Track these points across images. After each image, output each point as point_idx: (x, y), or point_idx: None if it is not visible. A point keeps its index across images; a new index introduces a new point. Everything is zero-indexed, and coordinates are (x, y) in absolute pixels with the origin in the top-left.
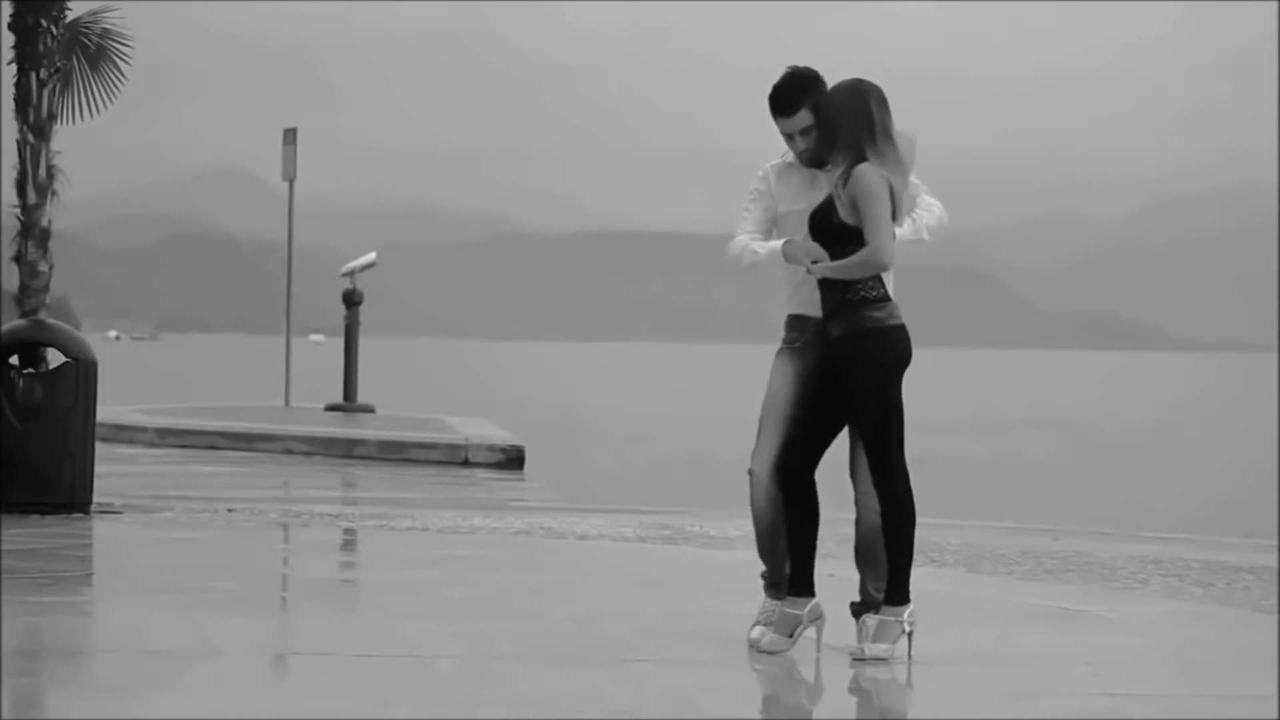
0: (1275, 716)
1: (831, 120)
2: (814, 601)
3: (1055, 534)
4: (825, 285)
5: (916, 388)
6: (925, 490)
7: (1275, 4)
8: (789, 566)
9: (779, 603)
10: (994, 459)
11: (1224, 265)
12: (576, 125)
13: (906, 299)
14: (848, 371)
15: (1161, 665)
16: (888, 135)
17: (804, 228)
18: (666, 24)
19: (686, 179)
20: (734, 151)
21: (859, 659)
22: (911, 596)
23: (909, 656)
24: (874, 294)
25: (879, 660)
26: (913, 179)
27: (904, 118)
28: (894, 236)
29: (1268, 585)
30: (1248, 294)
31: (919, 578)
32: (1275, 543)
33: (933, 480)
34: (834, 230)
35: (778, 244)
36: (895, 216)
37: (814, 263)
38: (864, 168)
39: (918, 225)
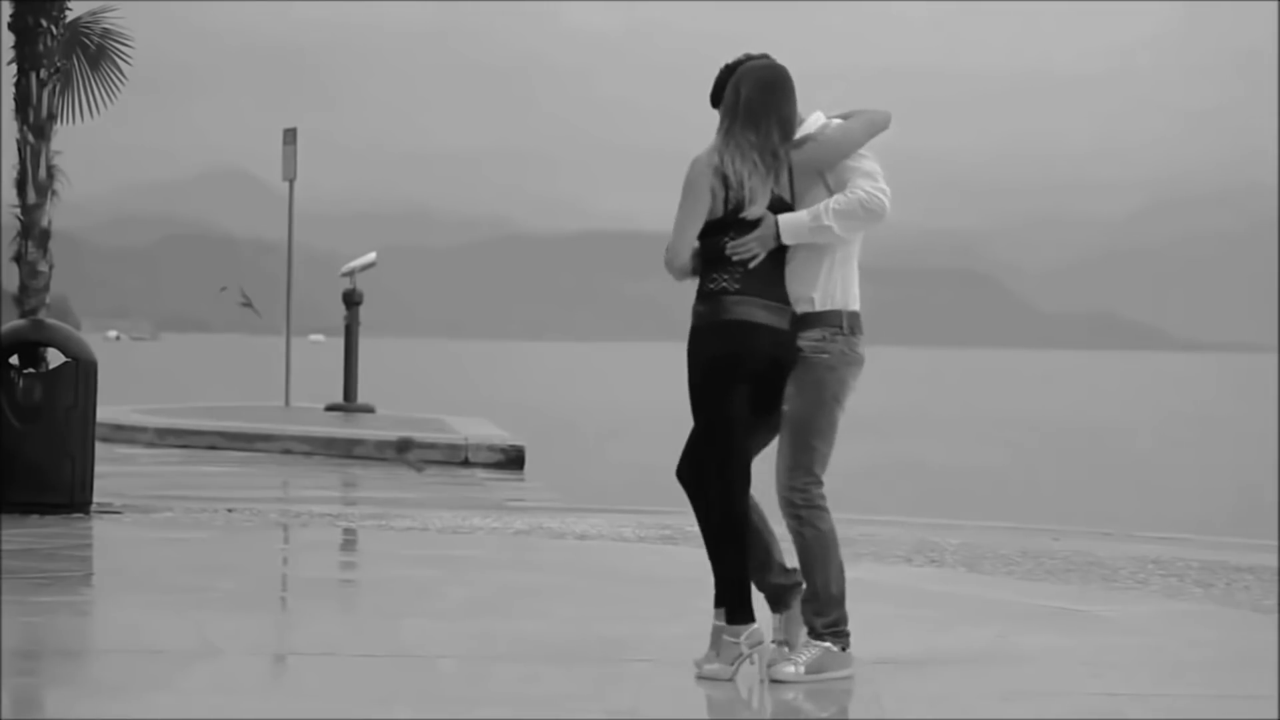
0: (1275, 717)
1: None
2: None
3: (1055, 534)
4: None
5: (916, 388)
6: (927, 490)
7: (1276, 4)
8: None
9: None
10: (994, 459)
11: (1224, 265)
12: (576, 125)
13: (907, 299)
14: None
15: (1161, 665)
16: (751, 117)
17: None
18: (664, 24)
19: None
20: None
21: (698, 676)
22: (756, 617)
23: (765, 678)
24: (705, 288)
25: (712, 680)
26: (861, 163)
27: (903, 118)
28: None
29: (1268, 585)
30: (1248, 294)
31: (919, 577)
32: (1275, 543)
33: (933, 480)
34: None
35: None
36: (746, 204)
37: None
38: (695, 157)
39: (820, 210)
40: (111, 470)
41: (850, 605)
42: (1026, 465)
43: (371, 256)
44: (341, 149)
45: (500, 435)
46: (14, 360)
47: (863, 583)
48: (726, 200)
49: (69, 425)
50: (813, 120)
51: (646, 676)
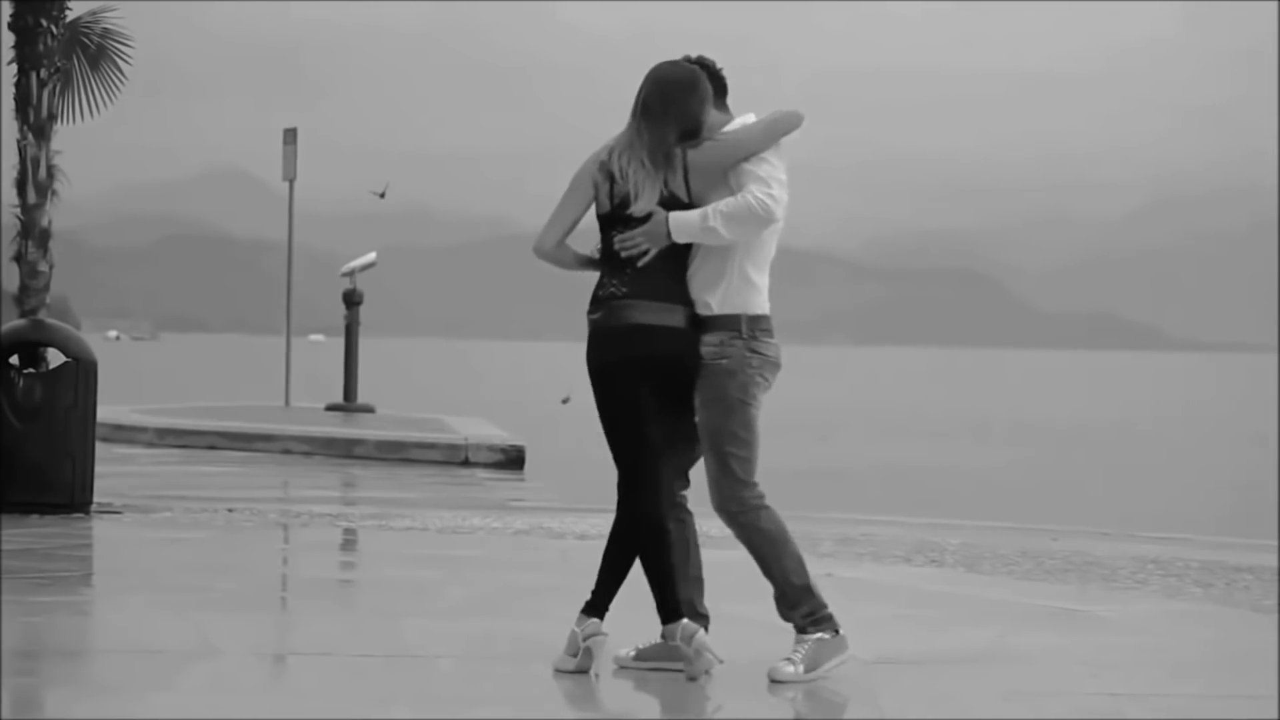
0: (1275, 717)
1: None
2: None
3: (1055, 534)
4: None
5: (916, 388)
6: (927, 490)
7: (1276, 4)
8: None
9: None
10: (993, 459)
11: (1224, 265)
12: (575, 125)
13: (907, 299)
14: None
15: (1161, 665)
16: (646, 117)
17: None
18: (664, 24)
19: None
20: None
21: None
22: (683, 613)
23: (704, 672)
24: (595, 294)
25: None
26: (759, 167)
27: (904, 118)
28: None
29: (1267, 585)
30: (1247, 294)
31: (919, 577)
32: (1275, 543)
33: (932, 480)
34: None
35: None
36: (631, 200)
37: None
38: (593, 154)
39: (709, 211)
40: (111, 470)
41: (850, 605)
42: (1026, 465)
43: (371, 256)
44: (342, 149)
45: (500, 435)
46: (14, 360)
47: (863, 583)
48: (612, 195)
49: (69, 425)
50: (740, 121)
51: (645, 677)
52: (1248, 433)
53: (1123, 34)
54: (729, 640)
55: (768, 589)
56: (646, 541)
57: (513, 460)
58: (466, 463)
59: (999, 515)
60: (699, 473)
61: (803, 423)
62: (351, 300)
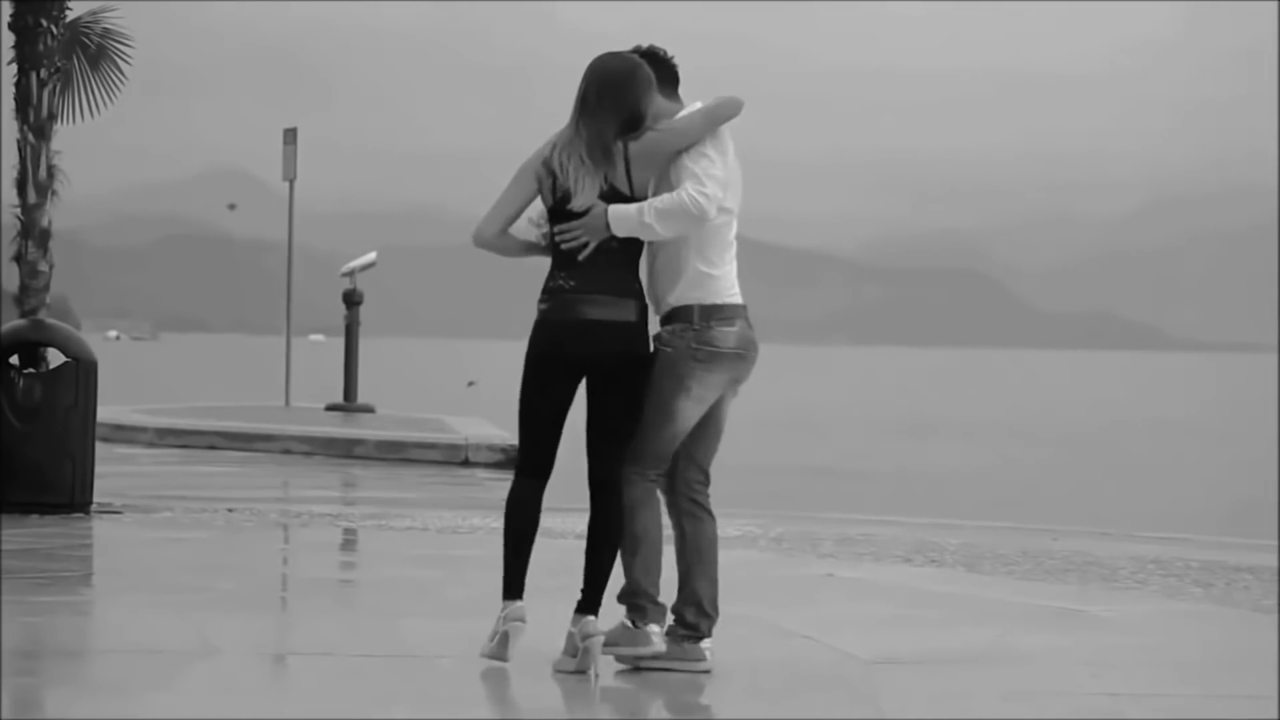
0: (1275, 717)
1: None
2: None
3: (1055, 534)
4: None
5: (916, 388)
6: (927, 490)
7: (1276, 4)
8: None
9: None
10: (993, 459)
11: (1224, 265)
12: None
13: (907, 299)
14: None
15: (1161, 665)
16: (585, 112)
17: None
18: (664, 24)
19: None
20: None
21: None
22: (517, 595)
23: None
24: (545, 285)
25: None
26: (697, 163)
27: (902, 118)
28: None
29: (1267, 585)
30: (1247, 294)
31: (919, 577)
32: (1275, 543)
33: (932, 480)
34: None
35: None
36: (573, 195)
37: None
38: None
39: (645, 207)
40: (111, 470)
41: (850, 605)
42: (1026, 465)
43: (371, 256)
44: (341, 149)
45: (500, 435)
46: (14, 360)
47: (863, 583)
48: (554, 190)
49: (69, 425)
50: (688, 110)
51: (646, 677)
52: (1248, 433)
53: (1123, 34)
54: (731, 640)
55: (769, 590)
56: (511, 532)
57: (513, 460)
58: (466, 463)
59: (999, 515)
60: (711, 471)
61: (804, 423)
62: (351, 300)
